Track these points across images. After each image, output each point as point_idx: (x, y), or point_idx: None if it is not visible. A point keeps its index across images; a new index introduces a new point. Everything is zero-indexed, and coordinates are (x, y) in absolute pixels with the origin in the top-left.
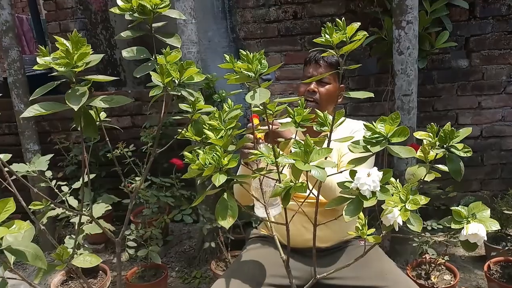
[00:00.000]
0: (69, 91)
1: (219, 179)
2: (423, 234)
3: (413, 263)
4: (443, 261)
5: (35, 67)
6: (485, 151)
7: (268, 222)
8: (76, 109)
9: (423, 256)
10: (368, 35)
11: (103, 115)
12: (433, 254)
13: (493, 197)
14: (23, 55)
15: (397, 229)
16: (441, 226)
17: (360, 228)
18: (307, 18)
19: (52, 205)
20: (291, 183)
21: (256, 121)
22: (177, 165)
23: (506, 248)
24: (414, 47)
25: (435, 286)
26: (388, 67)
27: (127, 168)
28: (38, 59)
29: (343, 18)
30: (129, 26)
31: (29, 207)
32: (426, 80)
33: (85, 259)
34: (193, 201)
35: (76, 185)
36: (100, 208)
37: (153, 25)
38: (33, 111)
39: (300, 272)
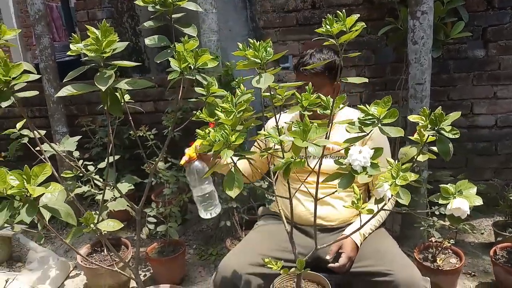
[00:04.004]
0: (98, 74)
1: (227, 154)
2: (430, 218)
3: (420, 246)
4: (449, 244)
5: (69, 53)
6: (499, 141)
7: (275, 198)
8: (103, 90)
9: (430, 240)
10: (381, 25)
11: (127, 97)
12: (439, 237)
13: (505, 186)
14: (53, 42)
15: (387, 201)
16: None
17: (355, 202)
18: (325, 8)
19: (79, 182)
20: (291, 159)
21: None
22: None
23: None
24: (429, 37)
25: (440, 268)
26: (403, 56)
27: (149, 151)
28: (71, 46)
29: (343, 10)
30: (152, 16)
31: (61, 175)
32: (442, 69)
33: (109, 224)
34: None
35: (102, 165)
36: (123, 188)
37: (173, 16)
38: (66, 91)
39: (305, 249)
